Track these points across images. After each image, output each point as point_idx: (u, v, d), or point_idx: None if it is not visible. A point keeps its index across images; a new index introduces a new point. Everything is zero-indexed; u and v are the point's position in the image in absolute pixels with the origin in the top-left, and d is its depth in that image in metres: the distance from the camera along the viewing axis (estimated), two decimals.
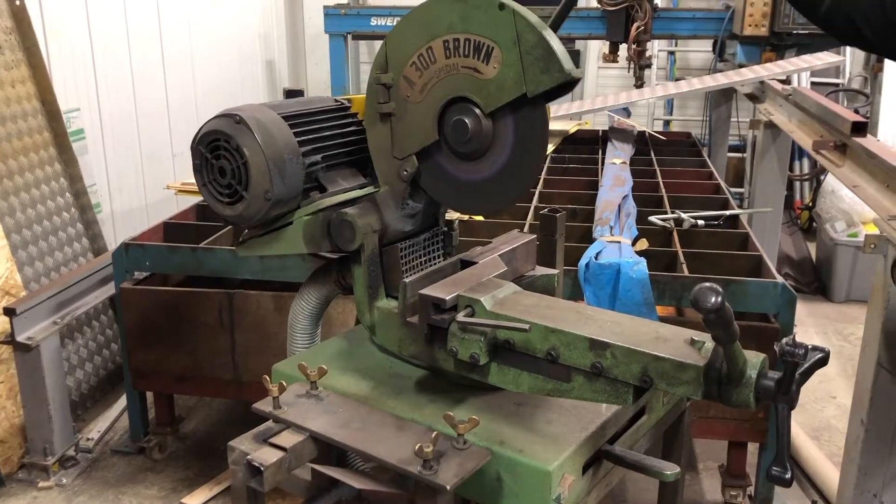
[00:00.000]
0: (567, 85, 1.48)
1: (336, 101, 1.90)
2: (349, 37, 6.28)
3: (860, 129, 3.06)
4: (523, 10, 1.47)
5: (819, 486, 3.38)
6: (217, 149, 1.68)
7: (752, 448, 3.25)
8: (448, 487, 1.29)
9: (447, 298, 1.45)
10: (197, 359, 3.35)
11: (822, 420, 3.99)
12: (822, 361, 1.26)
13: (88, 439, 3.61)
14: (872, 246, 2.57)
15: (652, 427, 1.76)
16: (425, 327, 1.49)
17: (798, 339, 1.21)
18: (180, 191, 4.05)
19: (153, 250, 3.34)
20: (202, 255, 3.28)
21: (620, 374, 1.32)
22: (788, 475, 1.23)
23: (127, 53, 4.88)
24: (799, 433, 3.67)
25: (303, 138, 1.72)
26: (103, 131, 4.65)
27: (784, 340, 1.16)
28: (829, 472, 3.35)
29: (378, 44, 6.63)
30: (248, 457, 1.39)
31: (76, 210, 4.12)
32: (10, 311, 3.17)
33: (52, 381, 3.31)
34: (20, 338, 3.20)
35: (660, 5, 5.62)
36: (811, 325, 5.10)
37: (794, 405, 1.22)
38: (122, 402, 3.81)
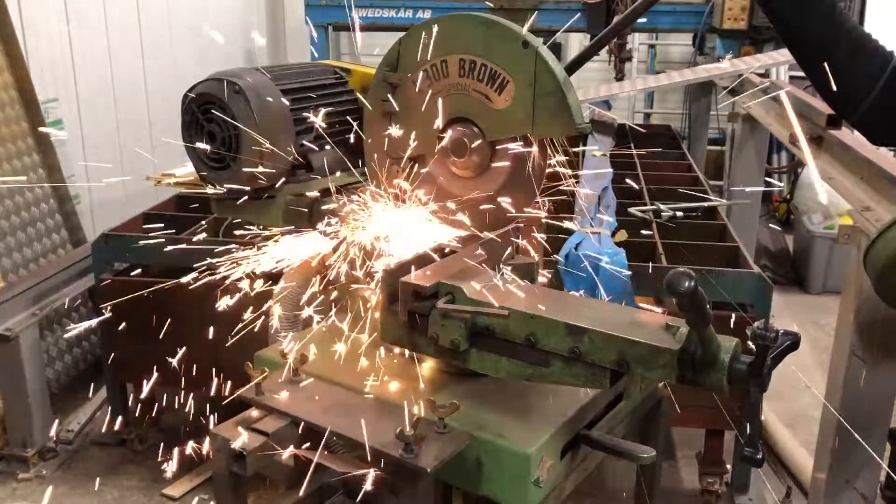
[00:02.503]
0: (574, 138, 1.49)
1: (335, 71, 1.89)
2: (330, 28, 6.28)
3: (835, 122, 3.11)
4: (546, 53, 1.47)
5: (794, 472, 3.43)
6: (210, 111, 1.67)
7: (729, 436, 3.31)
8: (428, 470, 1.31)
9: (427, 286, 1.47)
10: (176, 350, 3.34)
11: (798, 409, 4.05)
12: (794, 346, 1.30)
13: (68, 431, 3.60)
14: (846, 237, 2.62)
15: (629, 413, 1.79)
16: (406, 314, 1.50)
17: None
18: (159, 181, 4.02)
19: (133, 240, 3.32)
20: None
21: (598, 358, 1.35)
22: (759, 456, 1.26)
23: (105, 43, 4.84)
24: (774, 422, 3.73)
25: (299, 116, 1.72)
26: (81, 122, 4.62)
27: (755, 324, 1.19)
28: (803, 459, 3.41)
29: (360, 35, 6.52)
30: (232, 442, 1.40)
31: (54, 201, 4.10)
32: None
33: (31, 373, 3.31)
34: None
35: None
36: (788, 315, 5.17)
37: (766, 388, 1.26)
38: (102, 394, 3.80)
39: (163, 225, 3.57)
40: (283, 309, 1.97)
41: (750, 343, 1.23)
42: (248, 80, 1.70)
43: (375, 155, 1.74)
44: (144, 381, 3.51)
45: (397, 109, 1.68)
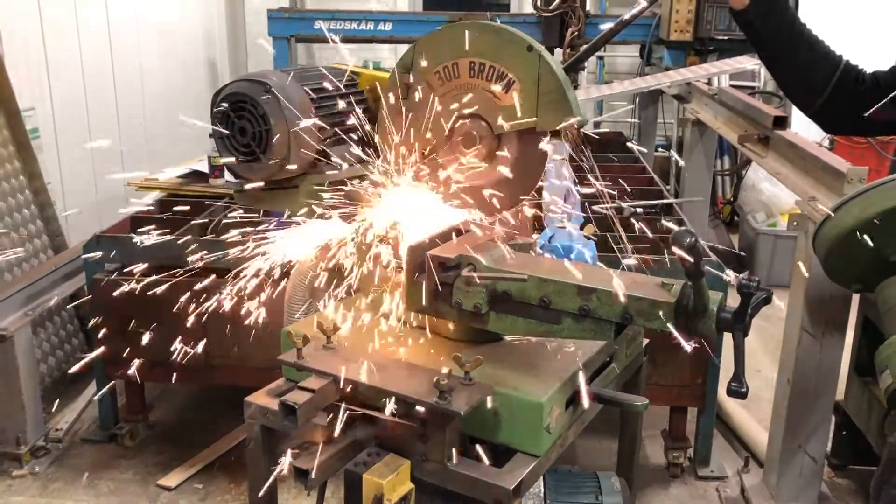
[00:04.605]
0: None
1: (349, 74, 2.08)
2: (293, 40, 6.43)
3: (781, 122, 3.42)
4: (548, 56, 1.69)
5: (749, 446, 3.72)
6: (242, 109, 1.83)
7: (691, 415, 3.57)
8: (462, 413, 1.51)
9: (452, 257, 1.67)
10: (169, 346, 3.45)
11: (749, 391, 4.34)
12: (767, 300, 1.54)
13: (57, 429, 3.68)
14: (795, 223, 2.92)
15: (617, 376, 2.01)
16: (433, 284, 1.70)
17: None
18: (142, 186, 4.14)
19: (124, 242, 3.45)
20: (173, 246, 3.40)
21: (604, 313, 1.57)
22: (744, 389, 1.50)
23: (78, 54, 4.94)
24: (729, 402, 4.02)
25: (322, 114, 1.91)
26: (56, 131, 4.70)
27: (741, 276, 1.43)
28: (758, 434, 3.70)
29: (316, 47, 6.76)
30: (283, 398, 1.58)
31: (35, 207, 4.18)
32: None
33: (25, 371, 3.39)
34: None
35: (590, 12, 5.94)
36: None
37: (748, 333, 1.50)
38: (88, 392, 3.89)
39: (153, 226, 3.70)
40: (299, 293, 2.14)
41: None
42: (276, 80, 1.88)
43: (390, 148, 1.94)
44: (137, 378, 3.64)
45: (411, 107, 1.87)
